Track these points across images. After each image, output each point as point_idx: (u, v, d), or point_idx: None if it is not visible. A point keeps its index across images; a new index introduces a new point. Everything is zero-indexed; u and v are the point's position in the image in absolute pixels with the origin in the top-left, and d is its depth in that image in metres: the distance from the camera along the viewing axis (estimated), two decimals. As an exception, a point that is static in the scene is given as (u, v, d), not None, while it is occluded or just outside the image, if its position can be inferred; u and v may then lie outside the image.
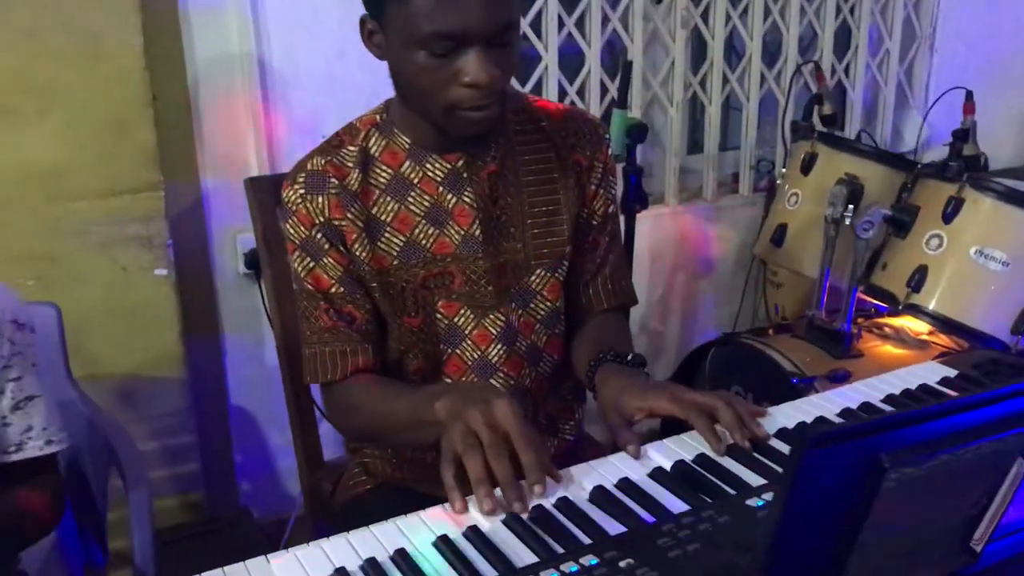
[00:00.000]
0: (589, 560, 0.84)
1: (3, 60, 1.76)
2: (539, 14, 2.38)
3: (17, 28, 1.76)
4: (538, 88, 2.44)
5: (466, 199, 1.30)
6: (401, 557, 0.86)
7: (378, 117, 1.33)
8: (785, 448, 1.09)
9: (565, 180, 1.36)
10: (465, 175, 1.30)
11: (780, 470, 1.02)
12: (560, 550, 0.87)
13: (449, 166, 1.30)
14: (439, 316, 1.32)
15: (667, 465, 1.07)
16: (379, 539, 0.89)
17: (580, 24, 2.47)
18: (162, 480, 2.09)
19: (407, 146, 1.30)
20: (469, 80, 1.14)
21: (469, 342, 1.33)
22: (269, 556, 0.86)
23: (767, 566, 0.59)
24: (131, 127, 1.87)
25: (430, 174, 1.30)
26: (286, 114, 2.13)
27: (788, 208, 2.29)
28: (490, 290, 1.31)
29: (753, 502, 0.95)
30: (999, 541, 0.77)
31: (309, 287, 1.30)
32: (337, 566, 0.83)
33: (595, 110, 2.49)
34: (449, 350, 1.34)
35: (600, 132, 1.41)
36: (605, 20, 2.48)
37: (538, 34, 2.40)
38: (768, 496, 0.96)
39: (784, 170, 2.38)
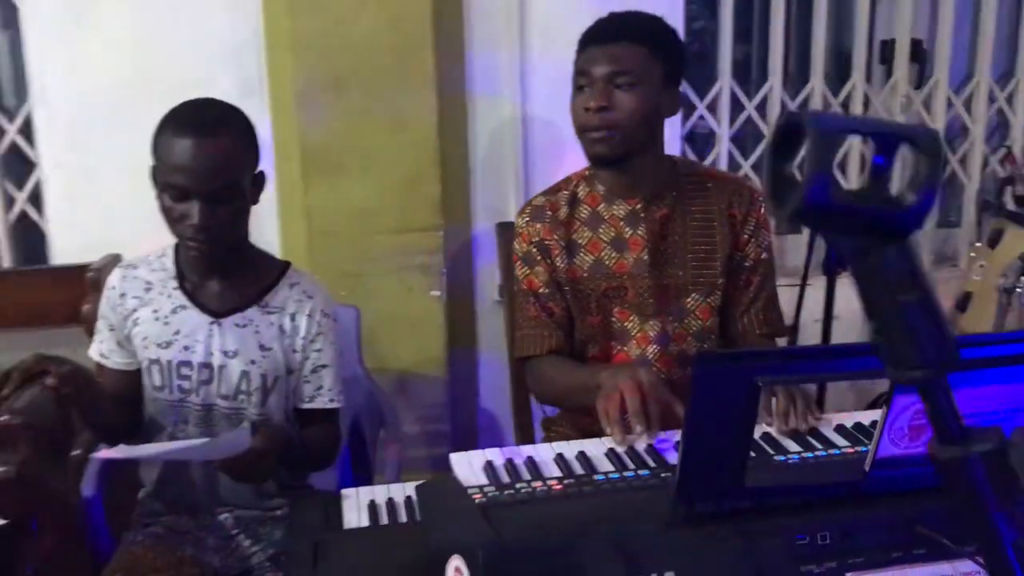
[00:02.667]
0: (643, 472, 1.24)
1: (340, 131, 2.43)
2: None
3: (351, 108, 2.43)
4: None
5: (640, 232, 1.78)
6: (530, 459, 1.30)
7: (587, 172, 1.84)
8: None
9: (721, 228, 1.79)
10: (642, 215, 1.79)
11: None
12: (632, 465, 1.28)
13: (630, 208, 1.79)
14: (614, 319, 1.80)
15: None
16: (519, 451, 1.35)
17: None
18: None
19: (603, 192, 1.81)
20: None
21: (633, 342, 1.80)
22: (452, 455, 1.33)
23: (682, 469, 0.97)
24: (423, 182, 2.49)
25: (616, 212, 1.79)
26: (542, 176, 2.66)
27: (974, 278, 2.47)
28: (652, 303, 1.77)
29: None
30: (881, 471, 1.04)
31: (524, 287, 1.84)
32: (488, 460, 1.29)
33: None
34: (619, 347, 1.81)
35: (755, 195, 1.83)
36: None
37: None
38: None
39: (978, 244, 2.55)
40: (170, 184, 1.57)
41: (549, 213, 1.84)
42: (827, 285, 2.56)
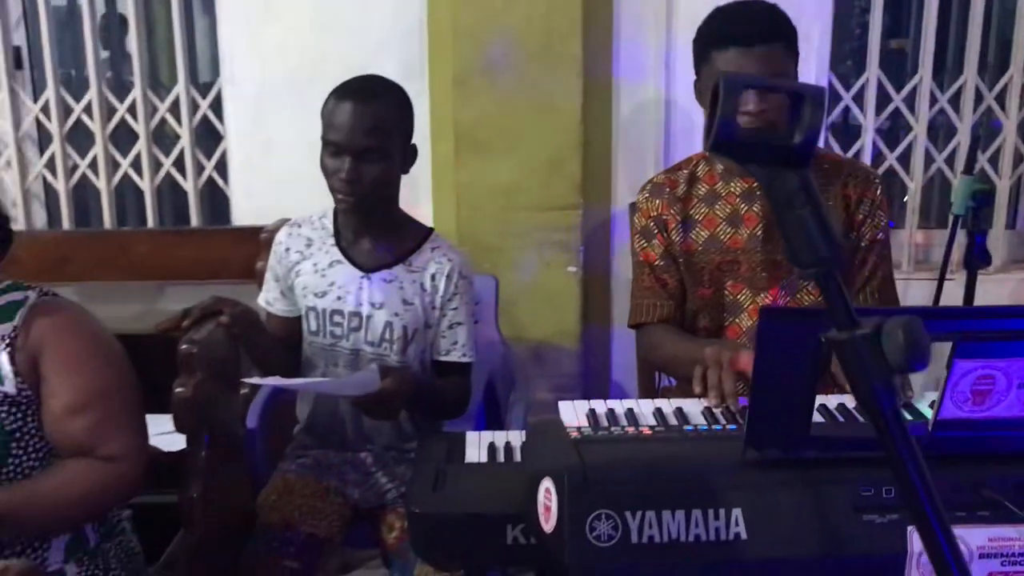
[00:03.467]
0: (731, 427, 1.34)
1: (490, 113, 2.60)
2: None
3: (502, 91, 2.59)
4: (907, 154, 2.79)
5: (755, 209, 1.86)
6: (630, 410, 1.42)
7: (706, 152, 1.92)
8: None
9: (836, 208, 1.83)
10: (757, 193, 1.85)
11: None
12: (723, 421, 1.37)
13: (747, 186, 1.86)
14: (726, 292, 1.88)
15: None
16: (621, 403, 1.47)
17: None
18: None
19: (721, 172, 1.89)
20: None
21: (745, 314, 1.88)
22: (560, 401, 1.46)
23: (750, 417, 1.06)
24: (565, 162, 2.62)
25: (733, 190, 1.87)
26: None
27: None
28: (764, 276, 1.85)
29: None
30: (944, 432, 1.09)
31: (640, 259, 1.95)
32: (592, 407, 1.42)
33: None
34: (731, 318, 1.89)
35: (871, 177, 1.89)
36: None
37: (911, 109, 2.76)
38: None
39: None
40: (328, 141, 1.79)
41: (668, 190, 1.94)
42: (967, 280, 2.53)
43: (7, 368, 1.47)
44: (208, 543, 1.71)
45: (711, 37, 1.78)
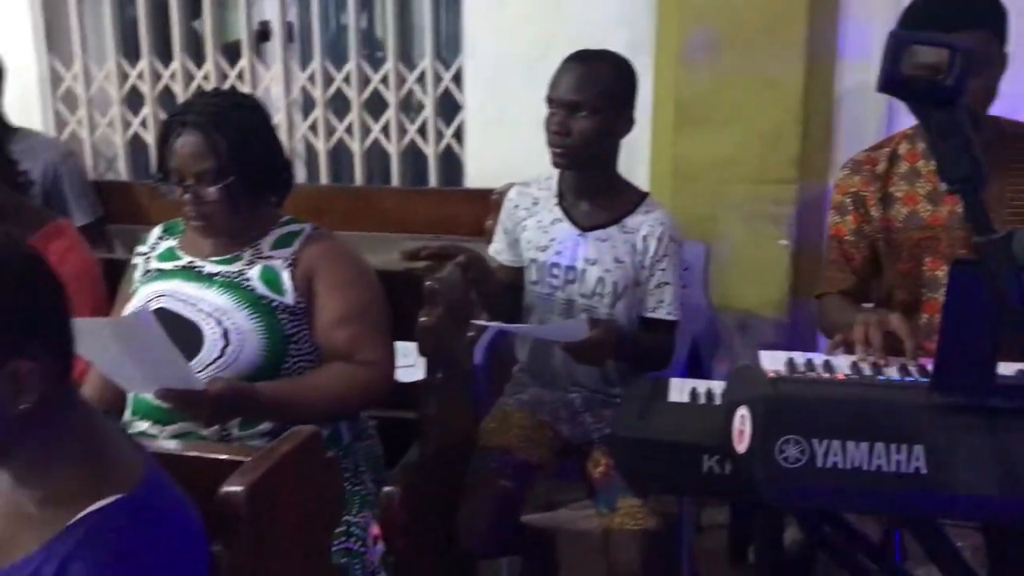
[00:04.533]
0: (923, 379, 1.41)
1: (712, 87, 2.72)
2: None
3: (724, 67, 2.70)
4: None
5: None
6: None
7: (909, 131, 1.95)
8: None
9: None
10: None
11: None
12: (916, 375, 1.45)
13: None
14: (924, 268, 1.90)
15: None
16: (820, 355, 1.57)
17: None
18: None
19: (922, 150, 1.91)
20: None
21: (943, 289, 1.88)
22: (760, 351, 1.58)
23: (937, 362, 1.14)
24: (783, 138, 2.70)
25: (934, 169, 1.88)
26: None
27: None
28: (964, 253, 1.85)
29: None
30: None
31: (832, 233, 2.01)
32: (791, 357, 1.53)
33: None
34: (928, 294, 1.91)
35: None
36: None
37: None
38: None
39: None
40: (549, 99, 1.99)
41: (867, 168, 1.97)
42: None
43: (288, 284, 1.78)
44: (437, 455, 1.96)
45: (913, 21, 1.80)
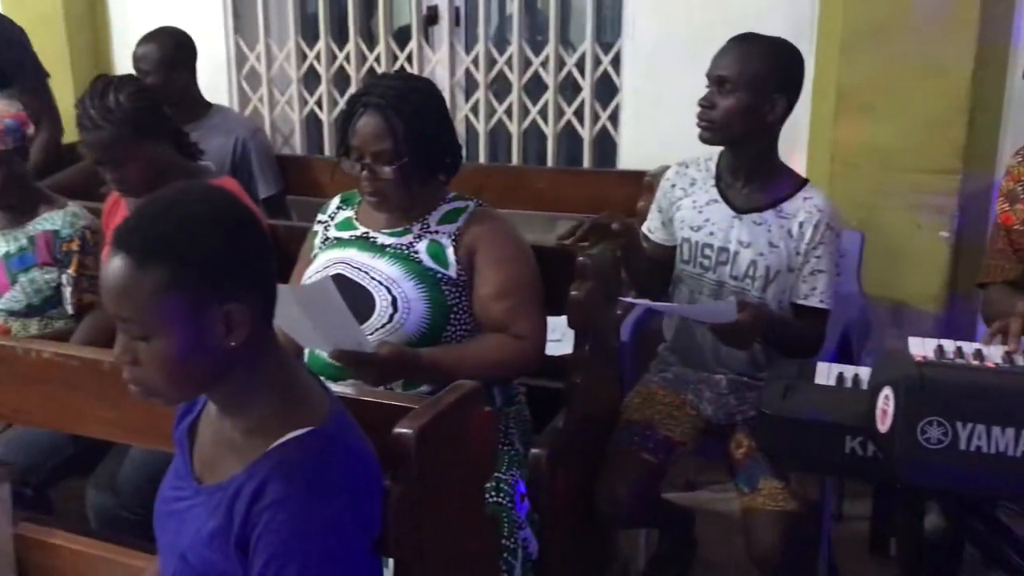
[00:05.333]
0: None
1: (875, 73, 2.67)
2: None
3: (889, 53, 2.65)
4: None
5: None
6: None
7: None
8: None
9: None
10: None
11: None
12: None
13: None
14: None
15: None
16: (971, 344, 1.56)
17: None
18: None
19: None
20: None
21: None
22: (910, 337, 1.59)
23: None
24: (948, 126, 2.63)
25: None
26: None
27: None
28: None
29: None
30: None
31: (999, 221, 1.97)
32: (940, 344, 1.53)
33: None
34: None
35: None
36: None
37: None
38: None
39: None
40: (707, 76, 2.04)
41: None
42: None
43: (452, 258, 1.90)
44: (582, 424, 2.05)
45: None
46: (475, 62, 3.49)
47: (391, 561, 1.35)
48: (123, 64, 3.75)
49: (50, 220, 2.36)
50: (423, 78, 2.28)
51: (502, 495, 1.80)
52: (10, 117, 2.29)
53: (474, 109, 3.54)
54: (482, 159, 3.55)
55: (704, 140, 2.08)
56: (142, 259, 1.09)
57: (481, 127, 3.53)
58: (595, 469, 2.08)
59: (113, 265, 1.11)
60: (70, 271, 2.33)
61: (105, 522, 2.00)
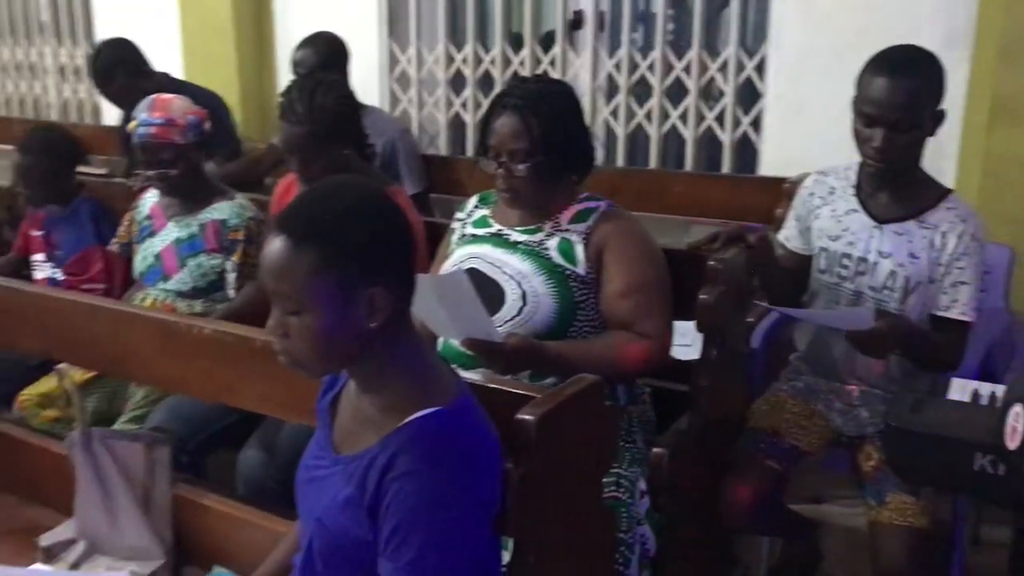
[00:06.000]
0: None
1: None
2: None
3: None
4: None
5: None
6: None
7: None
8: None
9: None
10: None
11: None
12: None
13: None
14: None
15: None
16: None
17: None
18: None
19: None
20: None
21: None
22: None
23: None
24: None
25: None
26: None
27: None
28: None
29: None
30: None
31: None
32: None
33: None
34: None
35: None
36: None
37: None
38: None
39: None
40: (862, 112, 1.97)
41: None
42: None
43: (581, 255, 1.95)
44: (706, 427, 2.06)
45: None
46: (617, 66, 3.53)
47: (511, 543, 1.42)
48: (284, 67, 3.98)
49: (219, 210, 2.54)
50: (561, 81, 2.34)
51: (622, 490, 1.84)
52: (192, 114, 2.50)
53: (614, 112, 3.58)
54: (620, 162, 3.59)
55: (873, 175, 2.04)
56: (298, 242, 1.20)
57: (620, 130, 3.57)
58: (717, 473, 2.09)
59: (274, 245, 1.22)
60: (234, 258, 2.51)
61: (252, 489, 2.15)
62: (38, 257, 2.87)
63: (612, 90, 3.61)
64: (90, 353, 2.07)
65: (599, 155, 3.65)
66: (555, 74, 3.61)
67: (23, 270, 2.86)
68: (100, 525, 1.80)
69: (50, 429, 2.34)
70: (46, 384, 2.49)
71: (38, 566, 1.81)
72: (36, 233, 2.88)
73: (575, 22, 3.67)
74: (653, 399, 2.13)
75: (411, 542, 1.19)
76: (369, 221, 1.24)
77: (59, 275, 2.80)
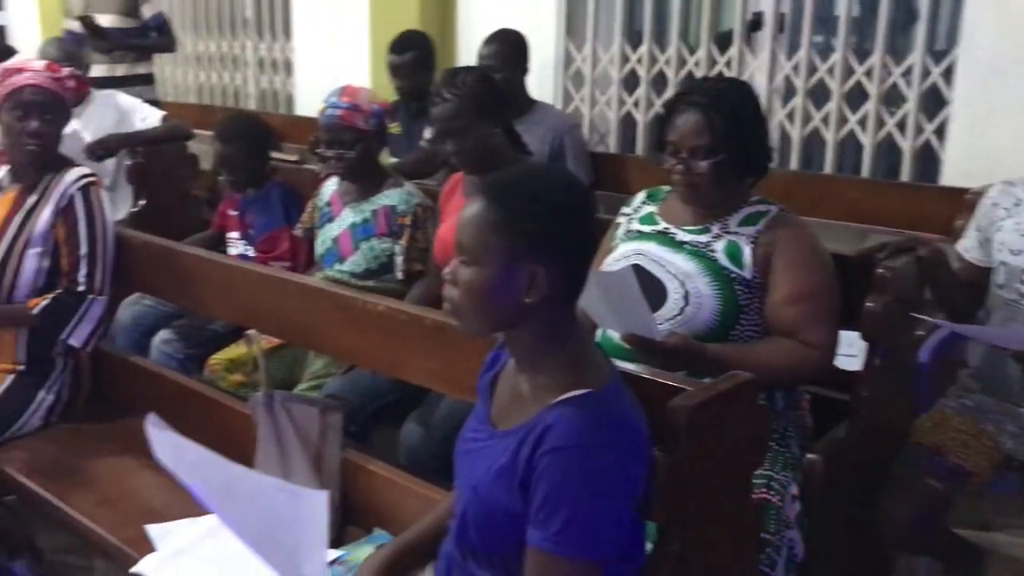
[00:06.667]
0: None
1: None
2: None
3: None
4: None
5: None
6: None
7: None
8: None
9: None
10: None
11: None
12: None
13: None
14: None
15: None
16: None
17: None
18: None
19: None
20: None
21: None
22: None
23: None
24: None
25: None
26: None
27: None
28: None
29: None
30: None
31: None
32: None
33: None
34: None
35: None
36: None
37: None
38: None
39: None
40: None
41: None
42: None
43: (748, 259, 1.94)
44: (864, 438, 2.01)
45: None
46: (795, 68, 3.47)
47: (655, 533, 1.45)
48: (464, 62, 4.13)
49: (389, 196, 2.69)
50: (743, 81, 2.34)
51: (773, 492, 1.83)
52: (378, 104, 2.67)
53: (790, 115, 3.52)
54: (793, 165, 3.52)
55: None
56: (489, 202, 1.33)
57: (795, 134, 3.50)
58: (873, 486, 2.04)
59: (473, 204, 1.35)
60: (402, 242, 2.65)
61: (412, 460, 2.27)
62: (233, 235, 3.11)
63: (789, 92, 3.55)
64: (276, 322, 2.25)
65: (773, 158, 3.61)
66: (731, 75, 3.58)
67: (219, 245, 3.11)
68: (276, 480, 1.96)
69: (235, 392, 2.55)
70: (235, 351, 2.71)
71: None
72: (232, 213, 3.12)
73: (754, 23, 3.63)
74: (812, 406, 2.10)
75: (558, 514, 1.25)
76: (551, 205, 1.32)
77: (251, 252, 3.03)
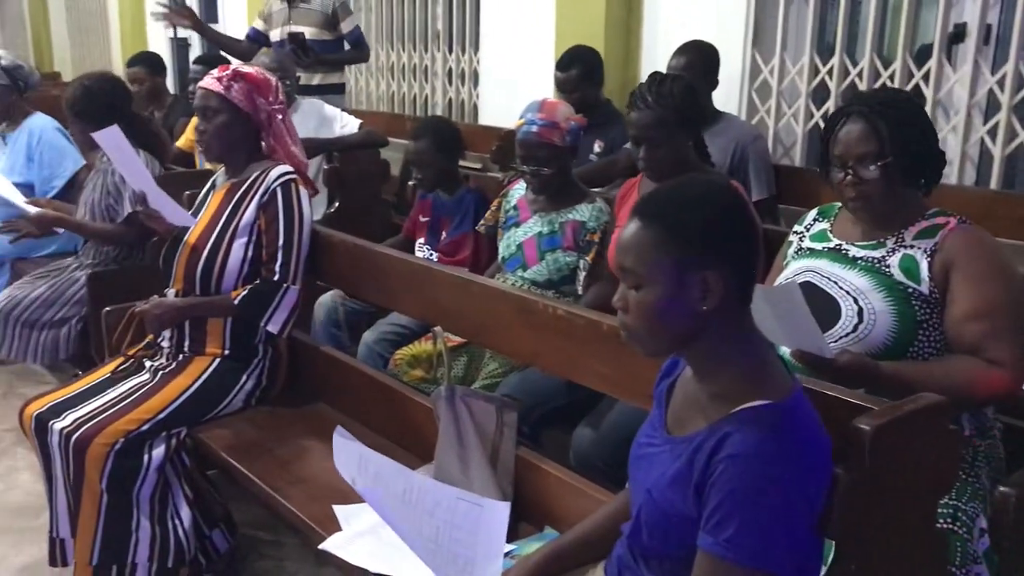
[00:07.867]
0: None
1: None
2: None
3: None
4: None
5: None
6: None
7: None
8: None
9: None
10: None
11: None
12: None
13: None
14: None
15: None
16: None
17: None
18: None
19: None
20: None
21: None
22: None
23: None
24: None
25: None
26: None
27: None
28: None
29: None
30: None
31: None
32: None
33: None
34: None
35: None
36: None
37: None
38: None
39: None
40: None
41: None
42: None
43: (925, 273, 1.86)
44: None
45: None
46: (1000, 83, 3.28)
47: (831, 554, 1.42)
48: (647, 72, 4.14)
49: (579, 211, 2.74)
50: (901, 90, 2.25)
51: (959, 524, 1.76)
52: (575, 120, 2.72)
53: (991, 132, 3.33)
54: (994, 184, 3.33)
55: None
56: (648, 221, 1.34)
57: (997, 151, 3.31)
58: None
59: (628, 225, 1.36)
60: (588, 257, 2.70)
61: (582, 463, 2.31)
62: (420, 240, 3.26)
63: (992, 108, 3.36)
64: (459, 321, 2.34)
65: (970, 176, 3.43)
66: (928, 90, 3.43)
67: (409, 251, 3.26)
68: (454, 471, 2.05)
69: (416, 386, 2.66)
70: (418, 347, 2.84)
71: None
72: (424, 219, 3.26)
73: (955, 35, 3.46)
74: (1004, 435, 1.99)
75: (731, 521, 1.25)
76: (712, 209, 1.33)
77: (433, 256, 3.17)
